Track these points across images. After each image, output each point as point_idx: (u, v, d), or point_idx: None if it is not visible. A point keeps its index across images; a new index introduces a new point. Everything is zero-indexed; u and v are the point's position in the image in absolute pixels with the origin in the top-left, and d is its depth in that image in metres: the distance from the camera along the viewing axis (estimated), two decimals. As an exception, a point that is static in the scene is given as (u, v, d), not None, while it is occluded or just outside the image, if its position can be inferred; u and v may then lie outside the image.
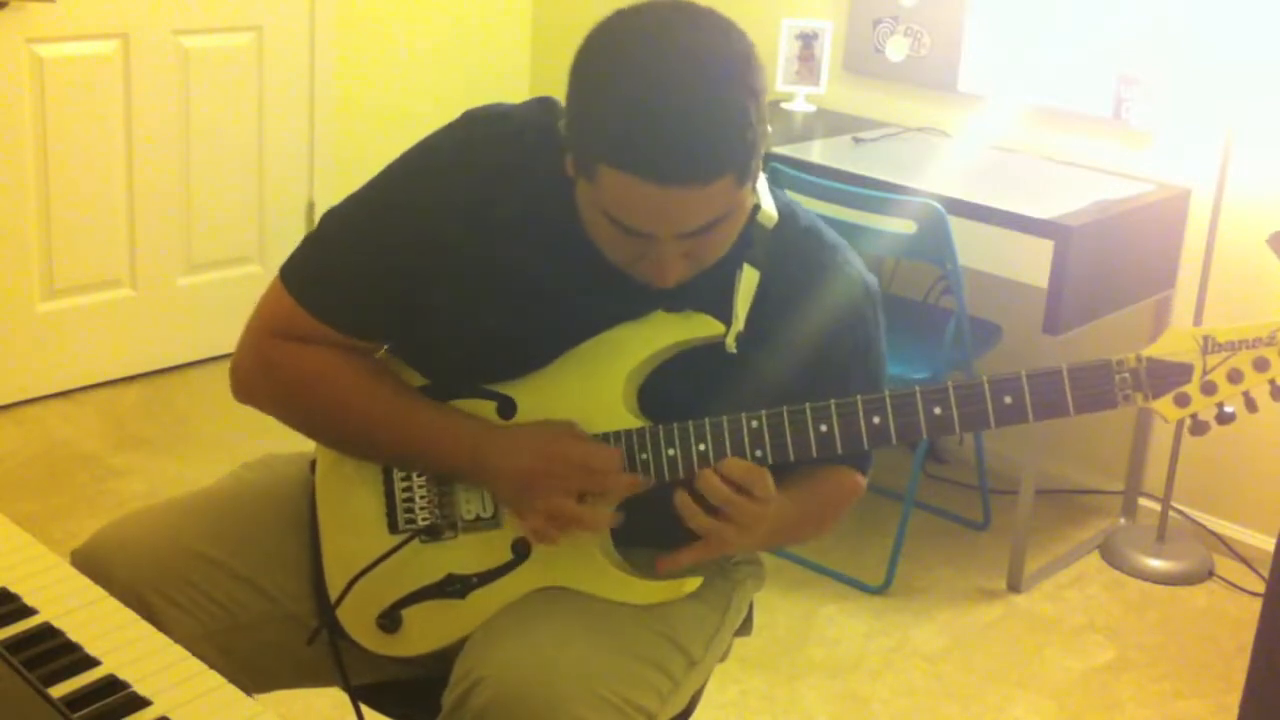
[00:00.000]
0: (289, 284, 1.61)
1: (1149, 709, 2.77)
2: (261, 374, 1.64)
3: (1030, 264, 3.33)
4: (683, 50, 1.37)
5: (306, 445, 1.72)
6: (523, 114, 1.58)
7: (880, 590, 3.10)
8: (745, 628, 1.82)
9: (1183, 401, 1.43)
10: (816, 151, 3.45)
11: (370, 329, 1.62)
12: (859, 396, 1.49)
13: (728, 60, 1.39)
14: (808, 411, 1.49)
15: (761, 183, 1.58)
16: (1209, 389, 1.42)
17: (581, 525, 1.54)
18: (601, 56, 1.41)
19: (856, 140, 3.55)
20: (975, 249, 3.33)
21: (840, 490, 1.69)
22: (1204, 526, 3.39)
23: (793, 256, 1.58)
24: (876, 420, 1.48)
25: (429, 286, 1.57)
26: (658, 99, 1.35)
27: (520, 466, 1.54)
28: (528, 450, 1.54)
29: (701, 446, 1.51)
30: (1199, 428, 1.45)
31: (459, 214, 1.54)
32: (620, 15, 1.43)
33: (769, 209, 1.58)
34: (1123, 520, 3.48)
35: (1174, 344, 1.43)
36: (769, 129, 1.44)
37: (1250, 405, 1.43)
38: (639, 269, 1.48)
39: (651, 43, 1.38)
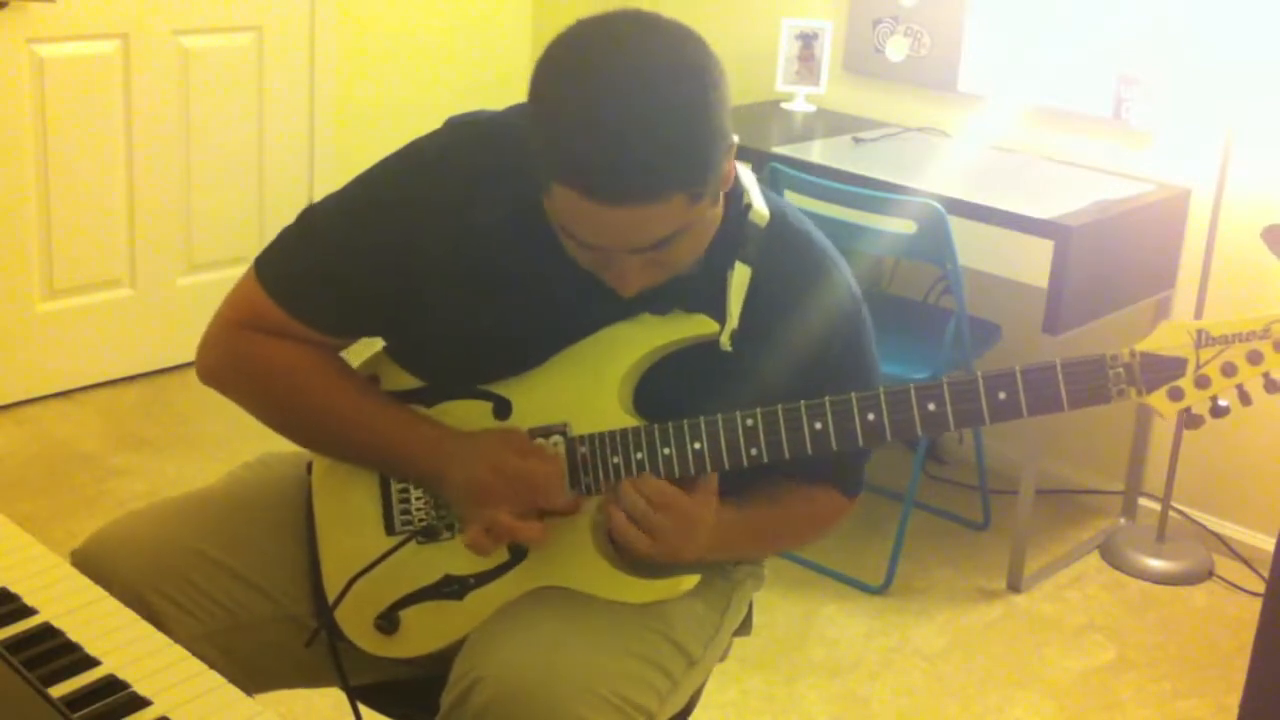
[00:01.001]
0: (263, 277, 1.61)
1: (1149, 709, 2.77)
2: (228, 364, 1.65)
3: (1030, 264, 3.34)
4: (630, 67, 1.36)
5: (305, 445, 1.73)
6: (504, 119, 1.59)
7: (880, 590, 3.10)
8: (745, 628, 1.82)
9: (1176, 395, 1.43)
10: (816, 151, 3.45)
11: (341, 327, 1.63)
12: (853, 394, 1.49)
13: (679, 77, 1.36)
14: (803, 409, 1.49)
15: (752, 181, 1.58)
16: (1202, 383, 1.42)
17: (514, 540, 1.55)
18: (553, 69, 1.40)
19: (856, 140, 3.55)
20: (975, 249, 3.33)
21: (814, 510, 1.70)
22: (1204, 526, 3.39)
23: (784, 254, 1.58)
24: (871, 417, 1.48)
25: (416, 288, 1.57)
26: (601, 118, 1.34)
27: (467, 478, 1.55)
28: (477, 461, 1.55)
29: (697, 445, 1.51)
30: (1193, 421, 1.45)
31: (440, 216, 1.55)
32: (579, 26, 1.41)
33: (760, 207, 1.58)
34: (1123, 520, 3.48)
35: (1167, 338, 1.43)
36: (734, 140, 1.43)
37: (1244, 398, 1.43)
38: (605, 277, 1.48)
39: (601, 58, 1.37)
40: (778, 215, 1.59)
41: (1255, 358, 1.41)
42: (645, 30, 1.40)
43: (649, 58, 1.37)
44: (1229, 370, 1.41)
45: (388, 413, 1.60)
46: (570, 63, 1.39)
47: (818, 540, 1.75)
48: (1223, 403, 1.43)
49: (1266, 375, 1.41)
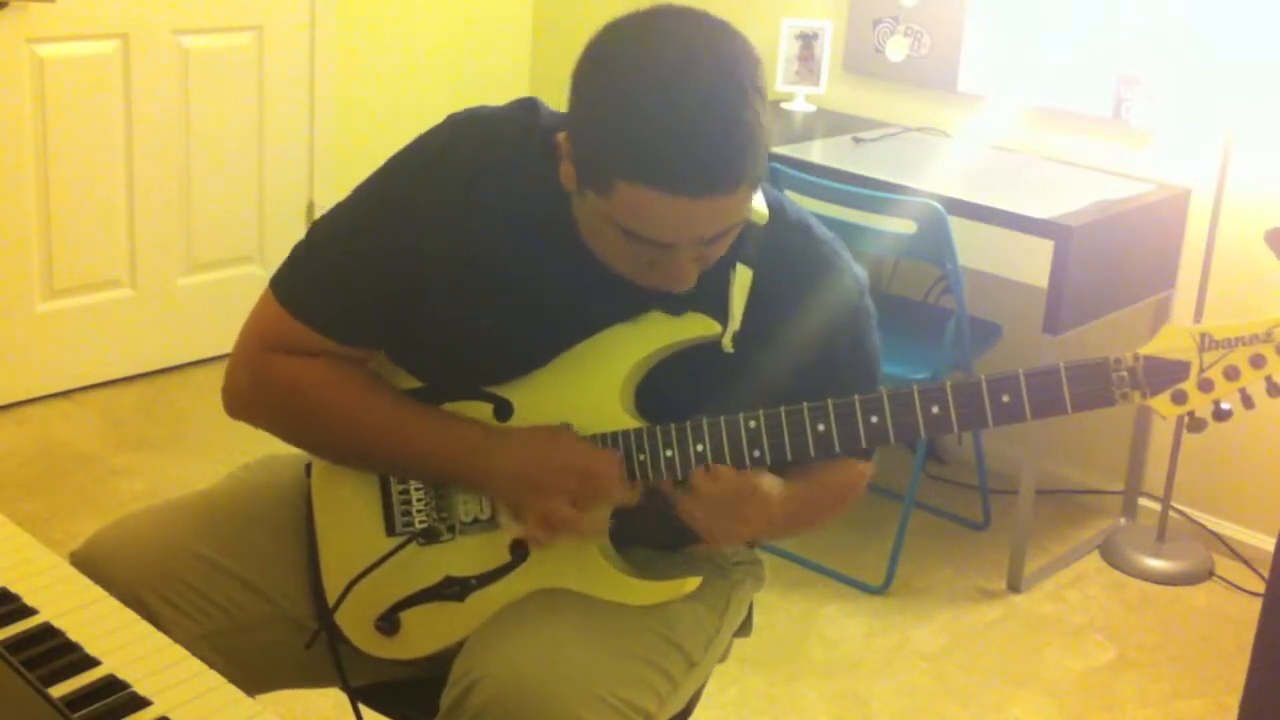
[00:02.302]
0: (279, 295, 1.60)
1: (1149, 709, 2.77)
2: (256, 390, 1.62)
3: (1030, 264, 3.34)
4: (693, 59, 1.36)
5: (306, 446, 1.73)
6: (503, 116, 1.58)
7: (880, 590, 3.10)
8: (745, 628, 1.82)
9: (1180, 399, 1.43)
10: (816, 151, 3.45)
11: (363, 337, 1.61)
12: (856, 397, 1.48)
13: (736, 66, 1.37)
14: (805, 411, 1.49)
15: None
16: (1206, 386, 1.42)
17: (575, 530, 1.54)
18: (609, 69, 1.39)
19: (856, 140, 3.55)
20: (975, 249, 3.33)
21: (846, 479, 1.69)
22: (1204, 526, 3.39)
23: (785, 253, 1.58)
24: (874, 420, 1.48)
25: (422, 289, 1.56)
26: (676, 112, 1.34)
27: (519, 470, 1.54)
28: (527, 453, 1.54)
29: (699, 447, 1.51)
30: (1196, 425, 1.45)
31: (443, 215, 1.54)
32: (621, 25, 1.41)
33: (759, 206, 1.58)
34: (1123, 520, 3.48)
35: (1171, 341, 1.44)
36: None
37: (1247, 402, 1.43)
38: (650, 276, 1.47)
39: (660, 53, 1.37)
40: (775, 210, 1.59)
41: (1258, 361, 1.41)
42: (691, 23, 1.40)
43: (706, 49, 1.37)
44: (1232, 374, 1.41)
45: (422, 416, 1.59)
46: (628, 61, 1.38)
47: (847, 508, 1.74)
48: (1225, 406, 1.43)
49: (1269, 379, 1.42)
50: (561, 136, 1.45)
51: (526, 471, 1.54)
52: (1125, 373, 1.43)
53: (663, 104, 1.34)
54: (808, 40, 3.81)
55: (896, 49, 3.75)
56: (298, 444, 1.65)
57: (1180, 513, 3.40)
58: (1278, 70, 2.98)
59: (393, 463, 1.62)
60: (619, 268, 1.49)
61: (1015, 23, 3.51)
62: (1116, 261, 3.12)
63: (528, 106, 1.59)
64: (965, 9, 3.58)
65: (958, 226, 2.99)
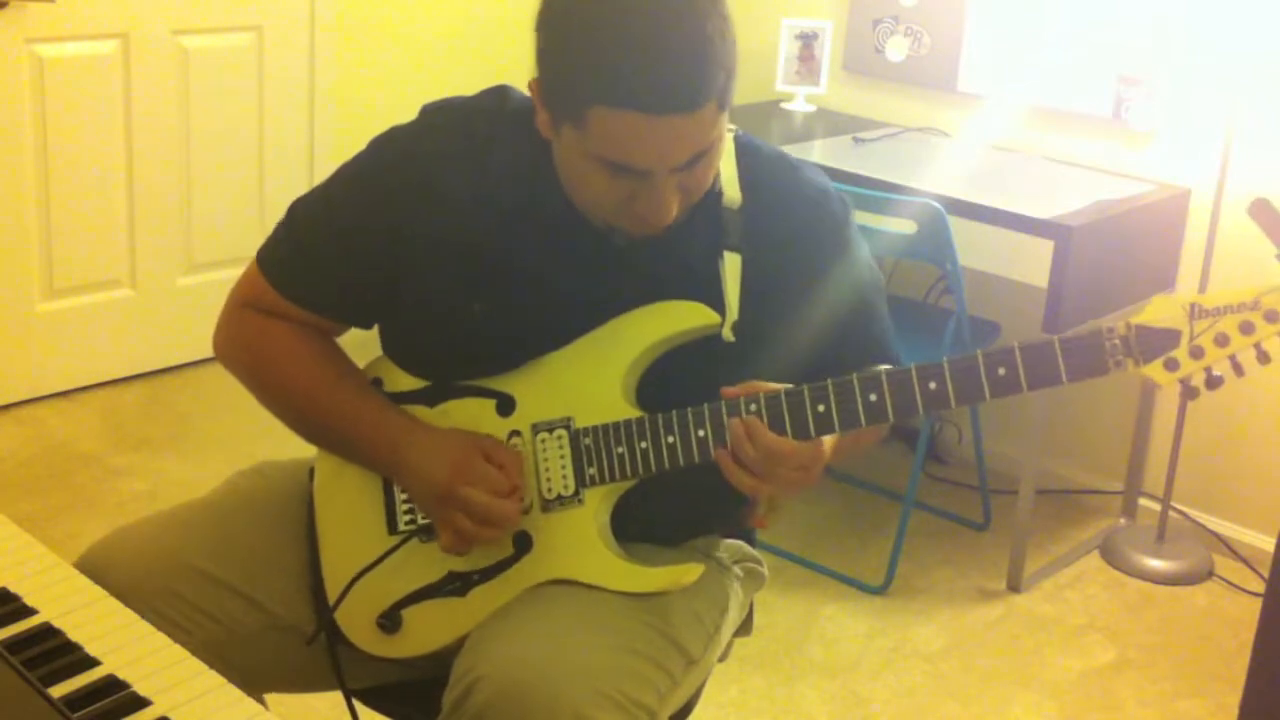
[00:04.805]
0: (259, 258, 1.69)
1: (1149, 709, 2.77)
2: (229, 341, 1.72)
3: (1030, 264, 3.34)
4: None
5: (303, 449, 1.73)
6: (477, 104, 1.64)
7: (880, 590, 3.10)
8: (745, 628, 1.82)
9: (1172, 366, 1.45)
10: (816, 151, 3.45)
11: (327, 306, 1.67)
12: (855, 375, 1.50)
13: None
14: (805, 392, 1.50)
15: (724, 160, 1.59)
16: (1197, 353, 1.44)
17: (488, 535, 1.56)
18: (568, 3, 1.43)
19: (856, 140, 3.55)
20: (975, 249, 3.34)
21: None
22: (1204, 526, 3.39)
23: (768, 224, 1.59)
24: (874, 397, 1.49)
25: (402, 268, 1.60)
26: (644, 31, 1.37)
27: (429, 473, 1.57)
28: (446, 457, 1.56)
29: (700, 433, 1.52)
30: (1189, 392, 1.47)
31: (419, 201, 1.57)
32: None
33: (733, 192, 1.59)
34: (1123, 520, 3.48)
35: (1162, 311, 1.46)
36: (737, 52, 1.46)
37: (1237, 369, 1.46)
38: (632, 211, 1.48)
39: None
40: (747, 156, 1.60)
41: (1247, 328, 1.43)
42: None
43: None
44: (1222, 341, 1.44)
45: (357, 398, 1.64)
46: None
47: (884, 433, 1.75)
48: (1216, 373, 1.45)
49: (1258, 346, 1.45)
50: (531, 81, 1.49)
51: (435, 476, 1.56)
52: (1118, 341, 1.45)
53: (625, 25, 1.38)
54: (808, 40, 3.81)
55: (896, 49, 3.75)
56: (258, 399, 1.71)
57: (1180, 513, 3.40)
58: (1278, 70, 2.98)
59: (329, 440, 1.67)
60: (601, 210, 1.50)
61: (1015, 23, 3.51)
62: (1116, 261, 3.12)
63: (498, 93, 1.64)
64: (965, 9, 3.58)
65: (958, 226, 2.99)
